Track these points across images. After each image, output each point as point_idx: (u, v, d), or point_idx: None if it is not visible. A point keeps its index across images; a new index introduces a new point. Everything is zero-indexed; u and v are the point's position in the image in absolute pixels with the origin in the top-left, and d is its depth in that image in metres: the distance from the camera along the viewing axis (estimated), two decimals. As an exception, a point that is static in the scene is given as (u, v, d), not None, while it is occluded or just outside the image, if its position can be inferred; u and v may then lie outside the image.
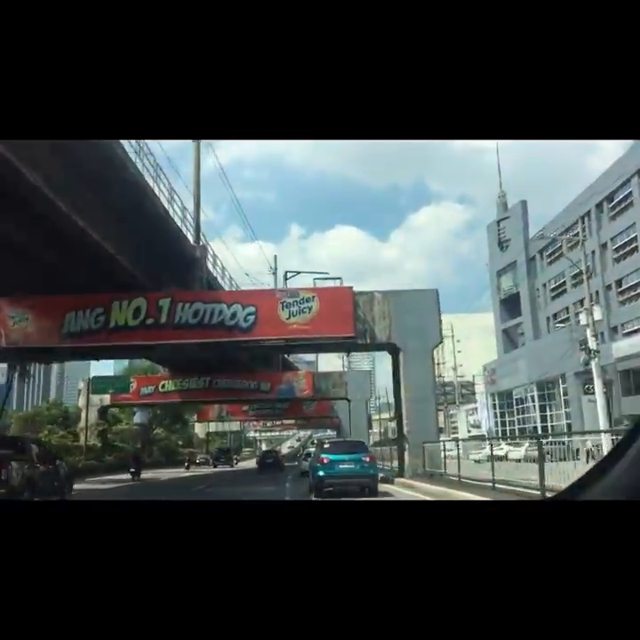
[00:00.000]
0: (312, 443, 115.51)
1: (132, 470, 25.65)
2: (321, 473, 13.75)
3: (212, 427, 65.57)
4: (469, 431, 60.36)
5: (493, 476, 12.48)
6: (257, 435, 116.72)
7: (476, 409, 64.24)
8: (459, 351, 71.77)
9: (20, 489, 10.77)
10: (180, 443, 55.78)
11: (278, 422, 63.38)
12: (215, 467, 42.96)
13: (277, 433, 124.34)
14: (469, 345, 66.65)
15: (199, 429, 65.99)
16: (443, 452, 17.01)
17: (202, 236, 22.43)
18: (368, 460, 14.18)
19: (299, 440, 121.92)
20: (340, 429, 51.38)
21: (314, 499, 12.93)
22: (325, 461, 13.84)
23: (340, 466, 13.66)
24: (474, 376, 74.68)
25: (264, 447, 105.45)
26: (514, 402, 48.32)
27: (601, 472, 1.28)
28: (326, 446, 15.26)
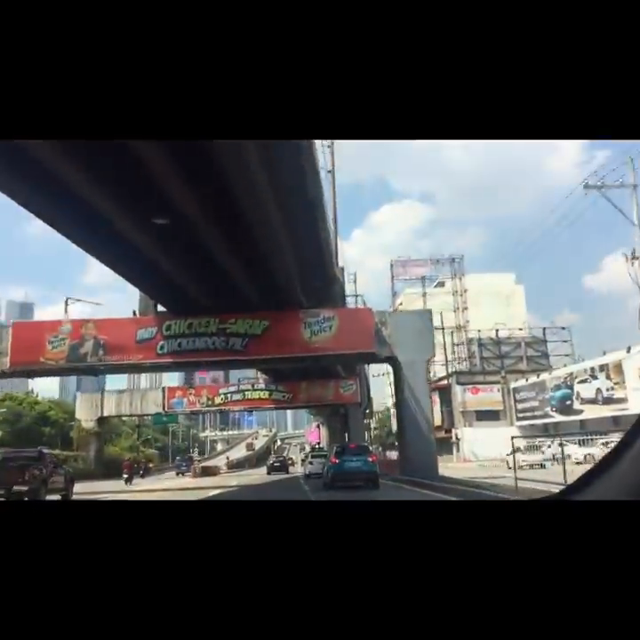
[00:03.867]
0: (275, 443, 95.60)
1: (125, 476, 27.34)
2: (333, 470, 16.95)
3: (110, 406, 34.65)
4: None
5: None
6: (212, 433, 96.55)
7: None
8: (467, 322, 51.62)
9: (36, 486, 14.19)
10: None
11: (237, 392, 33.28)
12: (178, 475, 39.24)
13: (237, 431, 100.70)
14: (479, 313, 50.98)
15: (84, 413, 34.92)
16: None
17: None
18: (371, 460, 17.38)
19: (270, 432, 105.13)
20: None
21: (327, 490, 16.23)
22: (336, 461, 17.06)
23: (349, 464, 16.83)
24: (544, 329, 49.48)
25: (219, 447, 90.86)
26: None
27: (601, 472, 1.29)
28: (338, 450, 18.38)
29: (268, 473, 34.72)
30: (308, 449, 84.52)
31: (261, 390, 34.44)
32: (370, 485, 16.20)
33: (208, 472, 39.50)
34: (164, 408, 34.87)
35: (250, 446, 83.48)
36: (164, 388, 36.96)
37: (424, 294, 53.42)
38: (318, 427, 75.79)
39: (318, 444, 71.12)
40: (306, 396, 34.12)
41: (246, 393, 34.63)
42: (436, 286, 54.91)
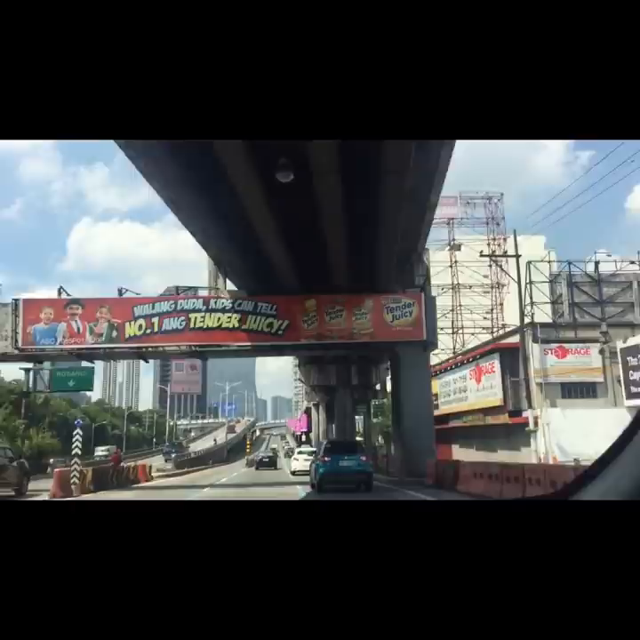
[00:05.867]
0: (254, 433, 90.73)
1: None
2: (323, 470, 15.79)
3: None
4: None
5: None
6: (186, 421, 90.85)
7: None
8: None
9: None
10: None
11: (172, 315, 15.86)
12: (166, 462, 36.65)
13: (212, 420, 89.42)
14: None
15: None
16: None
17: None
18: (364, 459, 16.38)
19: (248, 420, 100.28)
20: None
21: (317, 493, 15.61)
22: (326, 460, 15.91)
23: (340, 463, 15.73)
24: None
25: (193, 434, 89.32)
26: None
27: (600, 471, 1.30)
28: (327, 447, 17.06)
29: (257, 468, 34.80)
30: (288, 439, 77.69)
31: (225, 312, 16.87)
32: (362, 488, 15.40)
33: (104, 481, 18.59)
34: (15, 342, 17.08)
35: (231, 429, 79.77)
36: (16, 302, 17.69)
37: (452, 244, 38.95)
38: (307, 412, 60.48)
39: (305, 433, 57.15)
40: (315, 327, 16.83)
41: (193, 316, 16.93)
42: (450, 249, 40.24)
